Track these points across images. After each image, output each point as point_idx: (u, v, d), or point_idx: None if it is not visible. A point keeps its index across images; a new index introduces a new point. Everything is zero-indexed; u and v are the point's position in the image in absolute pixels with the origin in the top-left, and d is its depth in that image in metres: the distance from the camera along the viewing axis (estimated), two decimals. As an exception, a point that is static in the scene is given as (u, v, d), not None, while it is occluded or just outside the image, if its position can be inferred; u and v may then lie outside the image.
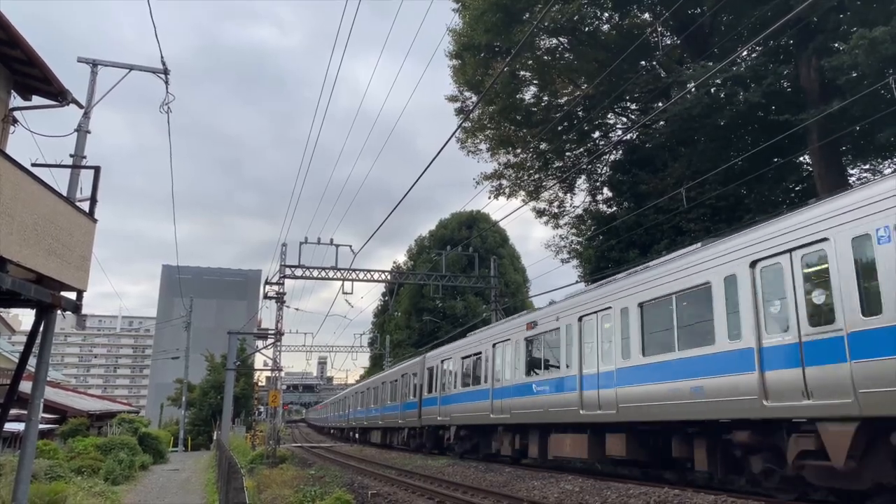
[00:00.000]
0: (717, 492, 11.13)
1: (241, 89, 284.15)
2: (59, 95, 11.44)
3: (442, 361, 25.38)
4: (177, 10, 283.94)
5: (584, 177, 34.01)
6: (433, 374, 26.36)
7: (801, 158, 24.01)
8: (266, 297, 32.65)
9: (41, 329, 10.76)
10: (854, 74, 18.67)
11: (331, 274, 31.35)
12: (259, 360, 53.16)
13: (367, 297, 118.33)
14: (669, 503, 10.71)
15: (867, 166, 25.23)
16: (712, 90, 23.08)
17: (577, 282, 31.72)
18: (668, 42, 27.83)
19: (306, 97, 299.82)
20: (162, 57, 16.32)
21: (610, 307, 14.27)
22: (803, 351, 9.37)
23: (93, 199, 12.36)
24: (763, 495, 10.55)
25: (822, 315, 9.25)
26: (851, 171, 24.77)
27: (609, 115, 32.36)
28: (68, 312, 11.20)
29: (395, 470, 21.03)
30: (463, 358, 23.10)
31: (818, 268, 9.46)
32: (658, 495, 11.26)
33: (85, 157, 14.74)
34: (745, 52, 23.19)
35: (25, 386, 12.60)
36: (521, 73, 30.61)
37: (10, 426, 18.74)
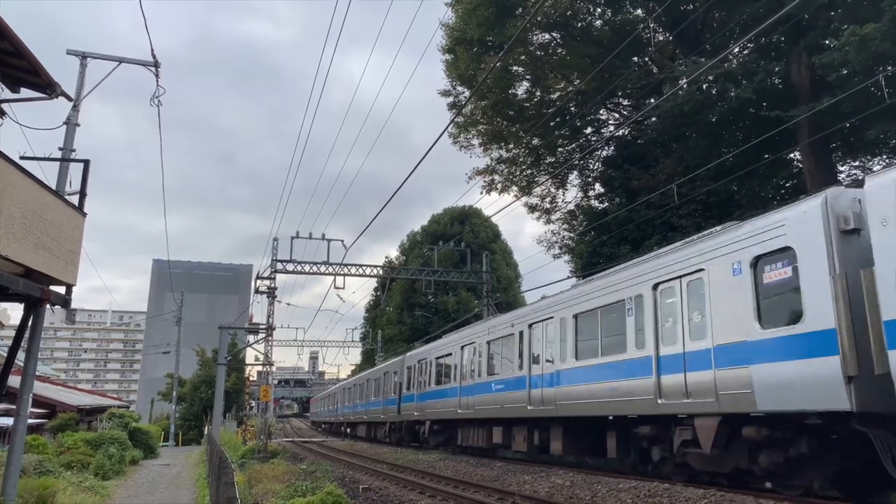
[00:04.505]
0: (706, 486, 11.22)
1: (235, 83, 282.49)
2: (47, 88, 11.35)
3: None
4: (173, 4, 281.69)
5: (576, 172, 34.14)
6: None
7: (792, 155, 24.14)
8: (257, 291, 32.58)
9: (30, 323, 10.70)
10: (844, 71, 18.75)
11: (322, 268, 31.26)
12: (250, 355, 52.90)
13: (359, 293, 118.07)
14: (659, 496, 10.78)
15: (857, 163, 25.43)
16: (704, 86, 23.16)
17: (568, 277, 31.82)
18: (661, 38, 27.90)
19: (301, 91, 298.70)
20: (152, 49, 16.13)
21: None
22: None
23: (82, 193, 12.31)
24: (754, 489, 10.62)
25: None
26: (841, 168, 24.97)
27: (601, 111, 32.45)
28: (57, 307, 11.14)
29: (386, 464, 21.07)
30: None
31: None
32: (648, 489, 11.34)
33: (74, 151, 14.61)
34: (736, 49, 23.28)
35: (14, 381, 12.53)
36: (514, 68, 30.60)
37: (-2, 421, 18.64)
